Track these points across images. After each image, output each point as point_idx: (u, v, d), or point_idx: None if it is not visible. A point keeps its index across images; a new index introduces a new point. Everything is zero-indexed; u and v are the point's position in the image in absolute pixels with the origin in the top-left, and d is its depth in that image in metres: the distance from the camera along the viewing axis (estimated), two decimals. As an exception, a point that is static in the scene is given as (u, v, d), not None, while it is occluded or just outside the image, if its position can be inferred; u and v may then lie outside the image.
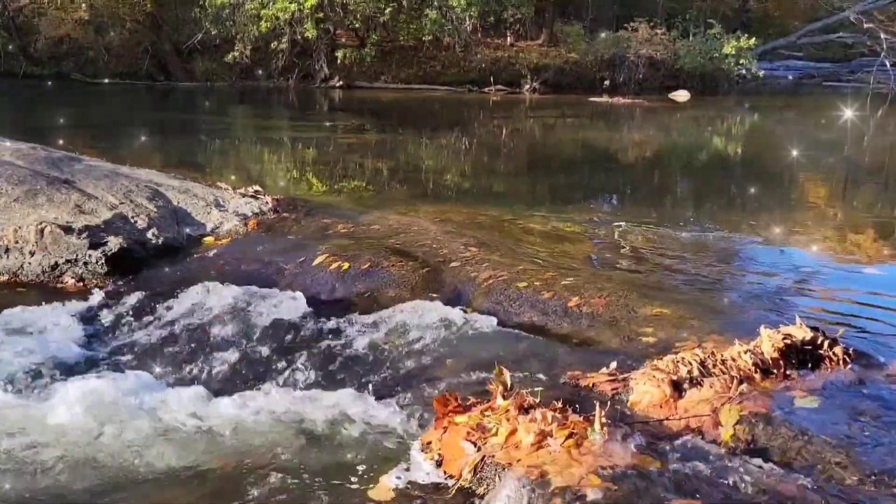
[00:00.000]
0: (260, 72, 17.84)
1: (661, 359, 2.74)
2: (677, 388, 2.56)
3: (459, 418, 2.49)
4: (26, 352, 3.31)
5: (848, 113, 13.36)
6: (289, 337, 3.36)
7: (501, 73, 18.39)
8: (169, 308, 3.74)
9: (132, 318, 3.75)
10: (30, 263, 4.34)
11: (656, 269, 4.21)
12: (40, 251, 4.35)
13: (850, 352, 2.78)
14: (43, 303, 3.83)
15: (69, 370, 3.18)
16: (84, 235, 4.38)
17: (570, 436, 2.26)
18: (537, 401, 2.45)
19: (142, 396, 2.98)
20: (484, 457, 2.32)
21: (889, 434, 2.31)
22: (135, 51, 17.94)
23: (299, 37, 16.97)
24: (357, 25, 18.01)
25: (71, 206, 4.69)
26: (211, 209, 5.01)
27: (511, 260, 4.06)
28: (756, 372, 2.64)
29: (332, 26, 17.62)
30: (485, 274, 3.83)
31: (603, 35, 19.27)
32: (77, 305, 3.89)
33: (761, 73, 18.76)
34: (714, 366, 2.66)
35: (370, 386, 3.01)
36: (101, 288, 4.14)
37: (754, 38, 18.76)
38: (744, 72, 18.52)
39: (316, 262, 4.12)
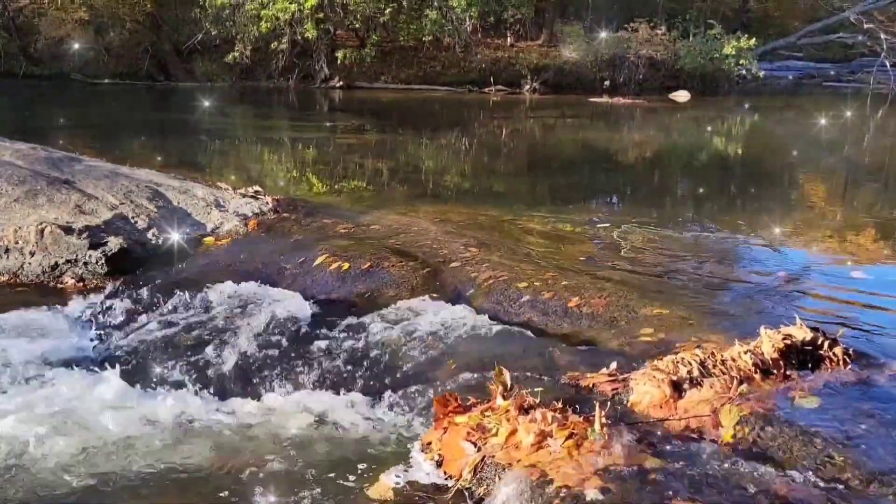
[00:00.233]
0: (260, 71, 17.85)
1: (661, 359, 2.74)
2: (677, 388, 2.56)
3: (459, 418, 2.50)
4: (26, 352, 3.31)
5: (848, 113, 13.36)
6: (289, 337, 3.36)
7: (501, 73, 18.38)
8: (169, 308, 3.74)
9: (132, 319, 3.75)
10: (30, 263, 4.34)
11: (656, 270, 4.21)
12: (40, 251, 4.36)
13: (850, 352, 2.78)
14: (43, 303, 3.83)
15: (69, 370, 3.18)
16: (84, 236, 4.38)
17: (570, 436, 2.26)
18: (537, 401, 2.45)
19: (142, 396, 2.98)
20: (484, 457, 2.32)
21: (889, 434, 2.31)
22: (135, 51, 17.93)
23: (299, 37, 16.96)
24: (357, 26, 18.01)
25: (71, 207, 4.69)
26: (211, 209, 5.01)
27: (511, 260, 4.06)
28: (756, 372, 2.64)
29: (333, 26, 17.61)
30: (485, 274, 3.83)
31: (603, 35, 19.26)
32: (77, 306, 3.90)
33: (761, 73, 18.75)
34: (714, 366, 2.66)
35: (370, 386, 3.01)
36: (101, 288, 4.14)
37: (754, 39, 18.75)
38: (744, 72, 18.50)
39: (316, 262, 4.12)
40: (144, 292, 3.97)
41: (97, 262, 4.30)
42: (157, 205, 4.90)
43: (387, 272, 3.93)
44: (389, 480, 2.39)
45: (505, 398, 2.49)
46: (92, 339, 3.60)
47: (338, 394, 2.98)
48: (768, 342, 2.74)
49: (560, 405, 2.42)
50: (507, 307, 3.55)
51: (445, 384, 2.88)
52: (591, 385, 2.71)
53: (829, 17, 21.64)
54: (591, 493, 2.04)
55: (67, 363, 3.25)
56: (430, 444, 2.51)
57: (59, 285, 4.26)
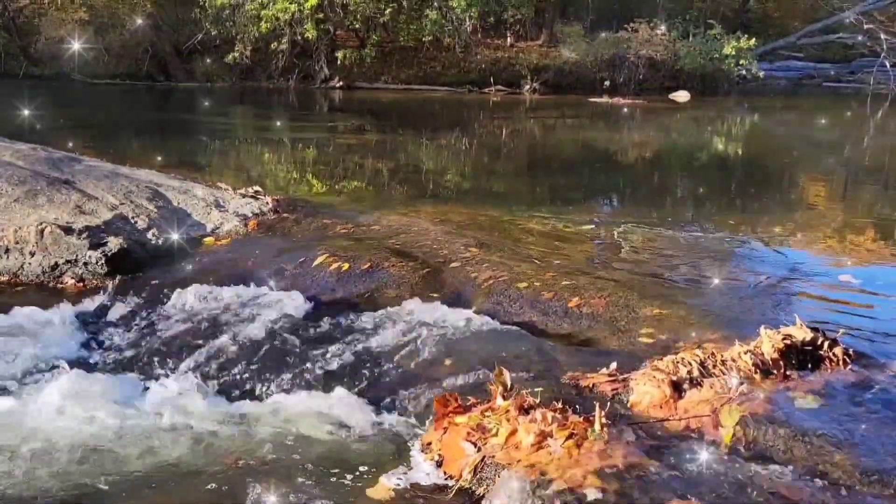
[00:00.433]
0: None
1: (662, 359, 2.74)
2: (677, 388, 2.56)
3: (459, 419, 2.50)
4: (26, 352, 3.32)
5: (848, 114, 13.36)
6: (288, 337, 3.36)
7: (501, 73, 18.38)
8: (169, 309, 3.74)
9: (132, 319, 3.75)
10: (30, 264, 4.34)
11: (656, 270, 4.21)
12: (40, 251, 4.36)
13: (850, 352, 2.79)
14: (43, 303, 3.83)
15: (69, 370, 3.17)
16: (84, 236, 4.38)
17: (570, 436, 2.26)
18: (537, 401, 2.45)
19: (141, 397, 2.98)
20: (484, 457, 2.32)
21: (889, 434, 2.31)
22: (135, 51, 17.93)
23: (299, 37, 16.96)
24: (357, 26, 18.00)
25: (71, 207, 4.69)
26: (211, 210, 5.01)
27: (511, 260, 4.06)
28: (756, 372, 2.64)
29: (333, 27, 17.61)
30: (485, 274, 3.83)
31: (603, 35, 19.25)
32: (77, 306, 3.90)
33: (761, 73, 18.75)
34: (714, 366, 2.66)
35: (370, 386, 3.01)
36: (101, 288, 4.14)
37: (754, 39, 18.75)
38: (744, 72, 18.51)
39: (316, 262, 4.12)
40: (144, 292, 3.97)
41: (97, 263, 4.30)
42: (157, 205, 4.90)
43: (387, 272, 3.93)
44: (389, 481, 2.39)
45: (505, 398, 2.49)
46: (92, 340, 3.60)
47: (337, 394, 2.98)
48: (768, 342, 2.74)
49: (560, 405, 2.42)
50: (508, 307, 3.55)
51: (445, 384, 2.88)
52: (591, 385, 2.71)
53: (829, 18, 21.63)
54: (592, 494, 2.04)
55: (67, 363, 3.24)
56: (430, 444, 2.51)
57: (59, 285, 4.25)
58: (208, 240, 4.69)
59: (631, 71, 18.14)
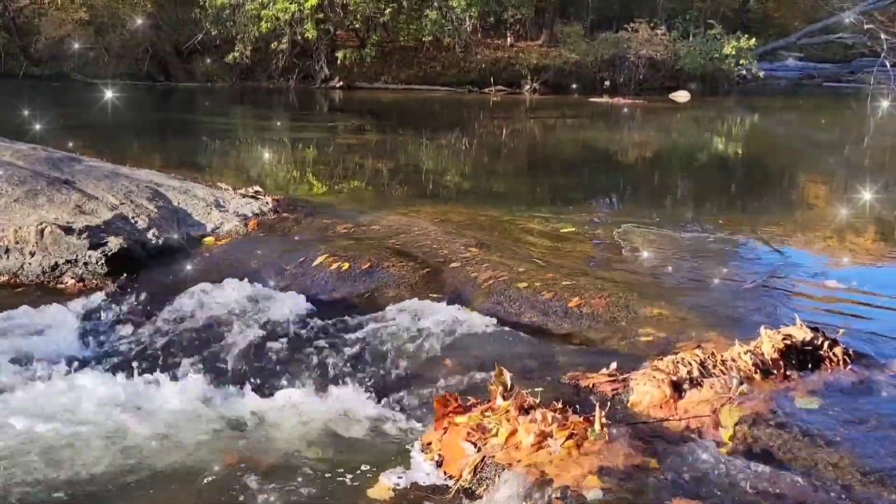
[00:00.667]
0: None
1: (662, 359, 2.74)
2: (677, 388, 2.56)
3: (459, 419, 2.50)
4: (26, 352, 3.31)
5: (848, 114, 13.36)
6: (288, 337, 3.36)
7: (501, 73, 18.37)
8: (169, 308, 3.74)
9: (132, 319, 3.74)
10: (30, 264, 4.34)
11: (656, 270, 4.21)
12: (40, 251, 4.35)
13: (850, 352, 2.79)
14: (43, 303, 3.83)
15: (69, 370, 3.18)
16: (84, 236, 4.38)
17: (570, 436, 2.26)
18: (537, 401, 2.45)
19: (141, 397, 2.98)
20: (484, 457, 2.32)
21: (889, 434, 2.31)
22: (135, 51, 17.92)
23: (299, 37, 16.95)
24: (357, 26, 18.00)
25: (71, 207, 4.69)
26: (211, 210, 5.01)
27: (511, 260, 4.06)
28: (756, 372, 2.64)
29: (333, 27, 17.60)
30: (485, 274, 3.83)
31: (603, 35, 19.25)
32: (77, 306, 3.89)
33: (761, 73, 18.75)
34: (714, 366, 2.66)
35: (370, 386, 3.01)
36: (101, 288, 4.13)
37: (754, 39, 18.75)
38: (744, 72, 18.51)
39: (316, 262, 4.12)
40: (144, 292, 3.97)
41: (97, 263, 4.29)
42: (157, 205, 4.90)
43: (387, 272, 3.93)
44: (389, 480, 2.39)
45: (505, 398, 2.49)
46: (92, 340, 3.59)
47: (337, 394, 2.98)
48: (768, 342, 2.74)
49: (560, 405, 2.42)
50: (508, 307, 3.55)
51: (445, 384, 2.88)
52: (591, 385, 2.71)
53: (829, 18, 21.63)
54: (592, 494, 2.04)
55: (67, 363, 3.25)
56: (430, 444, 2.51)
57: (59, 285, 4.25)
58: (208, 240, 4.69)
59: (631, 71, 18.14)
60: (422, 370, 3.03)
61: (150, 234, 4.58)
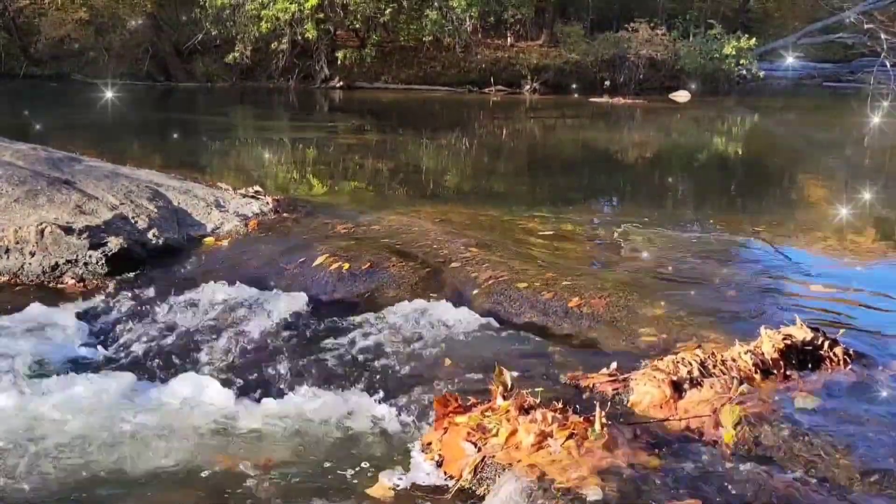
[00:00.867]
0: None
1: (662, 359, 2.74)
2: (677, 388, 2.56)
3: (460, 419, 2.50)
4: (26, 352, 3.31)
5: (848, 113, 13.36)
6: (289, 337, 3.37)
7: (501, 73, 18.37)
8: (169, 309, 3.74)
9: (132, 319, 3.75)
10: (30, 264, 4.34)
11: (656, 270, 4.21)
12: (41, 251, 4.35)
13: (850, 352, 2.79)
14: (43, 303, 3.83)
15: (69, 370, 3.18)
16: (84, 236, 4.38)
17: (570, 436, 2.26)
18: (537, 401, 2.45)
19: (141, 397, 2.98)
20: (484, 457, 2.32)
21: (889, 434, 2.31)
22: (135, 51, 17.92)
23: (299, 37, 16.95)
24: (357, 26, 18.00)
25: (71, 207, 4.69)
26: (211, 210, 5.01)
27: (511, 260, 4.06)
28: (756, 372, 2.64)
29: (333, 27, 17.60)
30: (485, 274, 3.84)
31: (603, 35, 19.25)
32: (77, 306, 3.90)
33: (761, 73, 18.75)
34: (714, 366, 2.66)
35: (370, 386, 3.01)
36: (101, 288, 4.14)
37: (754, 39, 18.75)
38: (744, 72, 18.50)
39: (316, 262, 4.12)
40: (145, 292, 3.97)
41: (97, 263, 4.30)
42: (157, 205, 4.90)
43: (387, 272, 3.93)
44: (389, 480, 2.39)
45: (505, 398, 2.49)
46: (92, 340, 3.60)
47: (338, 394, 2.98)
48: (768, 342, 2.74)
49: (560, 405, 2.42)
50: (508, 307, 3.55)
51: (446, 384, 2.88)
52: (591, 385, 2.71)
53: (829, 18, 21.62)
54: (592, 494, 2.04)
55: (68, 363, 3.25)
56: (430, 444, 2.51)
57: (60, 285, 4.25)
58: (208, 240, 4.69)
59: (631, 71, 18.14)
60: (422, 370, 3.03)
61: (150, 235, 4.58)
